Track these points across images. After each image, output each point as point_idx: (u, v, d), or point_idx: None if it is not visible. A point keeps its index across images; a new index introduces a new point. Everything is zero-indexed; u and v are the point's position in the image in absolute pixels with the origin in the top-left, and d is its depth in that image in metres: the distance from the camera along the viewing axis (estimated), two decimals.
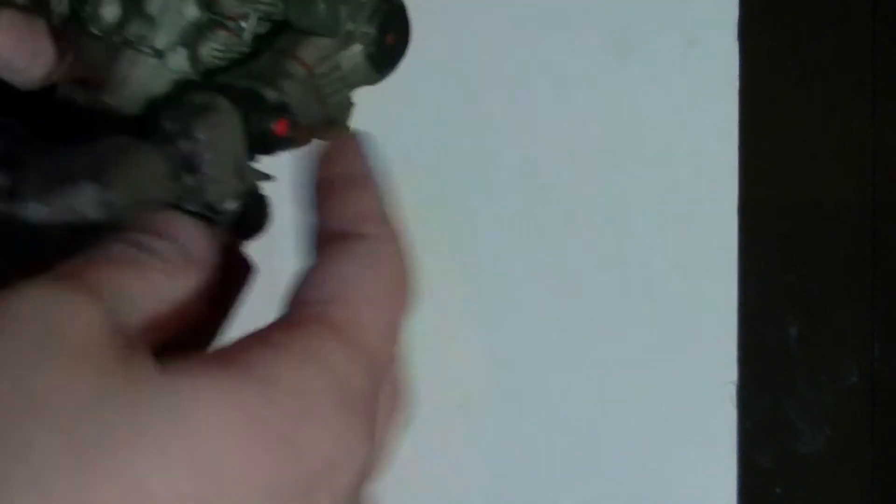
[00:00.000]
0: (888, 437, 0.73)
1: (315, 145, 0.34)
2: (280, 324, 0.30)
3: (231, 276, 0.34)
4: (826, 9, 0.74)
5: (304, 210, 0.35)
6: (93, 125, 0.33)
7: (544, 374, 0.72)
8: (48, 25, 0.34)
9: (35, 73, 0.35)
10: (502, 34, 0.72)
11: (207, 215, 0.33)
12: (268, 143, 0.33)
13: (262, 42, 0.34)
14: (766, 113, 0.73)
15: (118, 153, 0.31)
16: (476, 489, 0.72)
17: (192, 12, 0.33)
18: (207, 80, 0.34)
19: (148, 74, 0.33)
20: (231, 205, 0.33)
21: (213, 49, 0.33)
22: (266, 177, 0.34)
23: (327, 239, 0.32)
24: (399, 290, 0.33)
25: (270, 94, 0.33)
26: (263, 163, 0.35)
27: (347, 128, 0.36)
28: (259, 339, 0.29)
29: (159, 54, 0.33)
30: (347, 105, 0.36)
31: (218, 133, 0.32)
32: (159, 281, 0.30)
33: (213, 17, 0.33)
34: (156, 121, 0.32)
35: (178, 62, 0.33)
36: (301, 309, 0.30)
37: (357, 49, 0.35)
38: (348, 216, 0.33)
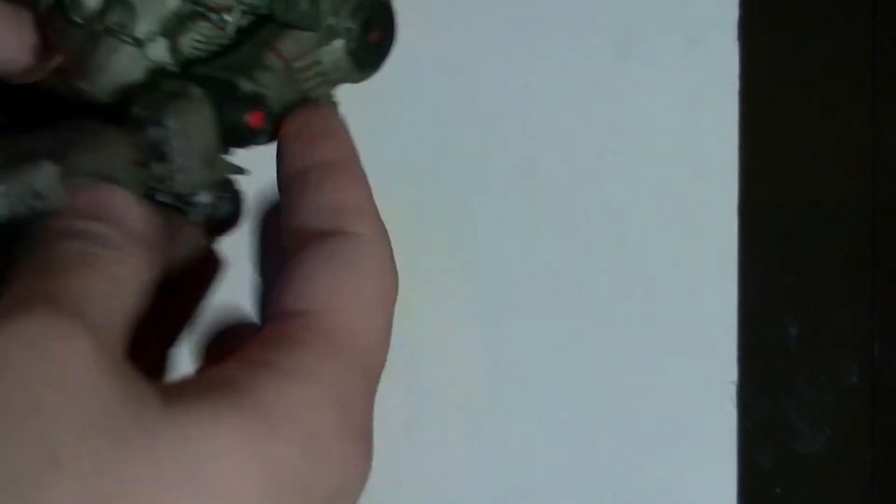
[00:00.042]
0: (888, 437, 0.73)
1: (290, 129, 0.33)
2: (275, 339, 0.29)
3: (199, 269, 0.33)
4: (826, 9, 0.74)
5: (270, 202, 0.34)
6: (64, 112, 0.33)
7: (544, 374, 0.72)
8: (33, 15, 0.34)
9: (19, 65, 0.34)
10: (502, 34, 0.72)
11: (179, 207, 0.32)
12: (241, 135, 0.32)
13: (244, 35, 0.34)
14: (766, 113, 0.73)
15: (84, 135, 0.31)
16: (476, 489, 0.72)
17: (173, 2, 0.33)
18: (185, 71, 0.33)
19: (126, 63, 0.33)
20: (203, 197, 0.33)
21: (194, 40, 0.33)
22: (239, 170, 0.34)
23: (307, 237, 0.31)
24: (388, 291, 0.31)
25: (245, 86, 0.32)
26: (239, 156, 0.34)
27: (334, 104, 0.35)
28: (260, 363, 0.28)
29: (139, 43, 0.33)
30: (329, 102, 0.36)
31: (188, 121, 0.31)
32: (120, 274, 0.28)
33: (196, 8, 0.33)
34: (127, 107, 0.31)
35: (158, 52, 0.33)
36: (292, 321, 0.29)
37: (339, 44, 0.35)
38: (330, 210, 0.31)
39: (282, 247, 0.32)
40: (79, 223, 0.29)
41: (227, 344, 0.34)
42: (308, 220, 0.31)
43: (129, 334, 0.28)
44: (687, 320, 0.72)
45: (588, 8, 0.72)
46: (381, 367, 0.31)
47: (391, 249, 0.31)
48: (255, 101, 0.32)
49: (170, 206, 0.32)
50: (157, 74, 0.33)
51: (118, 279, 0.28)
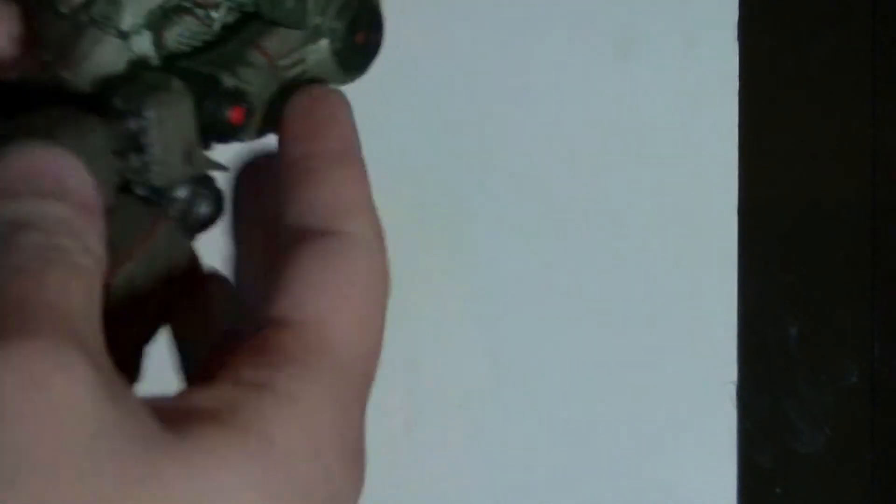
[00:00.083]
0: (888, 437, 0.73)
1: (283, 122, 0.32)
2: (271, 356, 0.28)
3: (177, 266, 0.32)
4: (826, 9, 0.74)
5: (262, 196, 0.34)
6: (45, 103, 0.33)
7: (544, 374, 0.72)
8: (19, 7, 0.34)
9: (5, 57, 0.34)
10: (502, 34, 0.72)
11: (157, 202, 0.32)
12: (221, 131, 0.32)
13: (229, 32, 0.34)
14: (766, 113, 0.73)
15: (60, 120, 0.30)
16: (476, 489, 0.72)
17: None
18: (168, 64, 0.33)
19: (109, 54, 0.33)
20: (181, 192, 0.32)
21: (178, 35, 0.33)
22: (219, 166, 0.33)
23: (303, 234, 0.30)
24: (382, 296, 0.30)
25: (228, 81, 0.32)
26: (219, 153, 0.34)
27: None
28: (258, 387, 0.27)
29: (123, 35, 0.33)
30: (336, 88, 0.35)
31: (167, 113, 0.31)
32: (88, 267, 0.26)
33: (182, 3, 0.33)
34: (107, 98, 0.31)
35: (142, 45, 0.33)
36: (288, 333, 0.28)
37: (324, 44, 0.34)
38: (328, 206, 0.30)
39: (262, 214, 0.32)
40: (29, 205, 0.26)
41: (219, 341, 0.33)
42: (304, 215, 0.30)
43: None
44: (687, 320, 0.72)
45: (588, 8, 0.72)
46: (374, 377, 0.30)
47: (386, 249, 0.31)
48: (237, 96, 0.32)
49: (148, 200, 0.32)
50: (140, 66, 0.33)
51: (88, 274, 0.26)
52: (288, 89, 0.33)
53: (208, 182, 0.33)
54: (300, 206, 0.30)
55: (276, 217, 0.31)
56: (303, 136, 0.32)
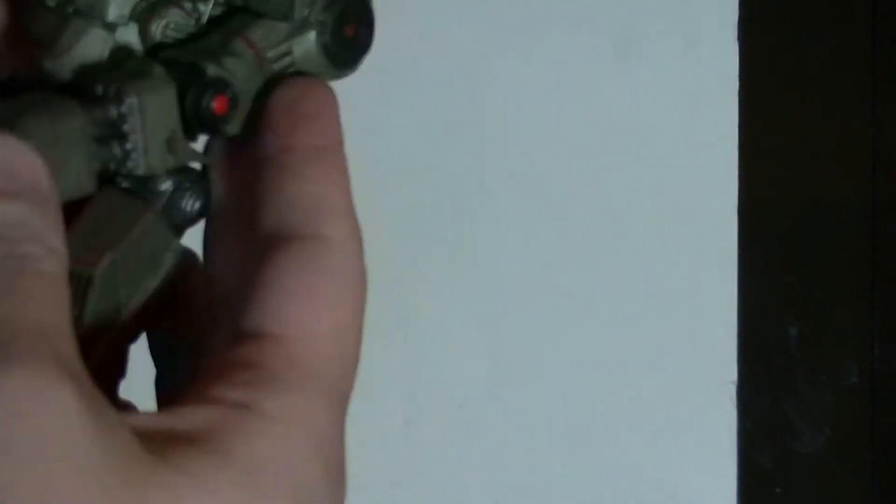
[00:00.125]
0: (888, 437, 0.73)
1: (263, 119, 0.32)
2: (251, 373, 0.27)
3: (161, 262, 0.31)
4: (826, 9, 0.74)
5: (240, 190, 0.32)
6: (24, 90, 0.32)
7: (544, 374, 0.72)
8: (6, 4, 0.34)
9: None
10: (502, 34, 0.72)
11: (142, 195, 0.31)
12: (204, 120, 0.31)
13: (215, 25, 0.33)
14: (766, 113, 0.73)
15: (29, 105, 0.29)
16: (476, 489, 0.72)
17: None
18: (151, 54, 0.33)
19: (93, 46, 0.32)
20: (166, 185, 0.32)
21: (164, 27, 0.33)
22: (203, 157, 0.32)
23: (278, 240, 0.29)
24: (362, 303, 0.29)
25: (211, 70, 0.32)
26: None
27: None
28: (240, 407, 0.26)
29: (108, 27, 0.32)
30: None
31: (149, 99, 0.30)
32: (54, 272, 0.25)
33: None
34: (89, 85, 0.31)
35: (127, 37, 0.33)
36: (268, 348, 0.27)
37: (311, 37, 0.34)
38: (307, 206, 0.29)
39: (239, 209, 0.31)
40: None
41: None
42: (282, 215, 0.29)
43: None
44: (687, 320, 0.72)
45: (588, 8, 0.72)
46: (352, 389, 0.29)
47: (363, 253, 0.30)
48: (221, 85, 0.32)
49: (132, 192, 0.31)
50: (122, 54, 0.32)
51: (56, 281, 0.25)
52: (274, 83, 0.33)
53: (193, 175, 0.32)
54: (277, 203, 0.30)
55: (252, 212, 0.30)
56: (284, 129, 0.31)
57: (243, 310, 0.28)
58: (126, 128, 0.30)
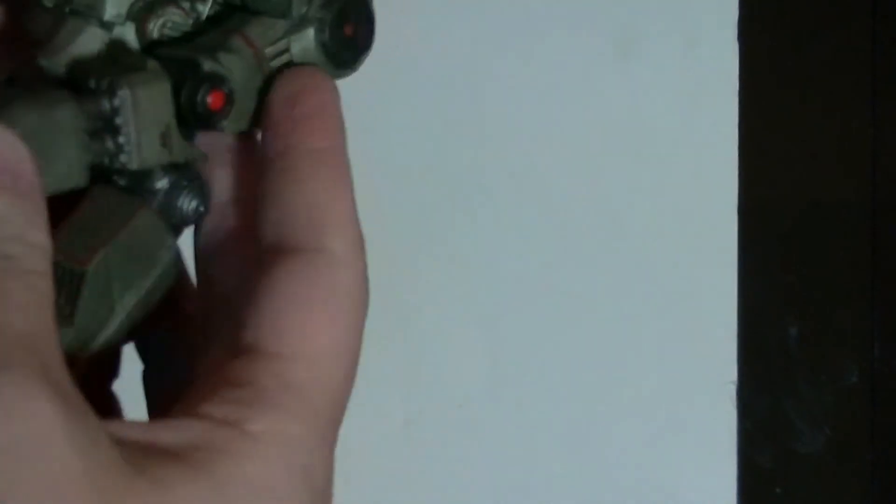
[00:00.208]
0: (888, 437, 0.73)
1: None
2: (243, 391, 0.26)
3: (157, 261, 0.31)
4: (826, 9, 0.74)
5: (240, 188, 0.32)
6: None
7: (544, 374, 0.72)
8: (4, 5, 0.34)
9: None
10: (502, 34, 0.72)
11: (139, 192, 0.31)
12: (200, 116, 0.31)
13: (213, 23, 0.33)
14: (766, 113, 0.73)
15: (29, 95, 0.29)
16: (476, 489, 0.72)
17: None
18: (148, 50, 0.32)
19: (89, 44, 0.32)
20: (162, 183, 0.31)
21: (162, 26, 0.33)
22: (198, 153, 0.32)
23: (277, 253, 0.28)
24: (361, 321, 0.28)
25: (207, 65, 0.31)
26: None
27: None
28: (230, 424, 0.25)
29: (105, 26, 0.32)
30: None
31: (142, 93, 0.30)
32: (35, 271, 0.24)
33: None
34: (82, 79, 0.31)
35: (124, 35, 0.32)
36: (263, 366, 0.27)
37: (309, 34, 0.33)
38: (304, 217, 0.28)
39: (239, 208, 0.30)
40: None
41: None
42: (282, 224, 0.29)
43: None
44: (687, 320, 0.72)
45: (588, 8, 0.72)
46: (345, 408, 0.28)
47: (365, 263, 0.29)
48: (216, 80, 0.31)
49: (127, 190, 0.31)
50: (117, 50, 0.32)
51: (40, 282, 0.24)
52: (273, 80, 0.33)
53: (191, 174, 0.32)
54: (277, 212, 0.29)
55: (253, 217, 0.30)
56: (284, 128, 0.30)
57: (241, 321, 0.28)
58: (118, 121, 0.30)
